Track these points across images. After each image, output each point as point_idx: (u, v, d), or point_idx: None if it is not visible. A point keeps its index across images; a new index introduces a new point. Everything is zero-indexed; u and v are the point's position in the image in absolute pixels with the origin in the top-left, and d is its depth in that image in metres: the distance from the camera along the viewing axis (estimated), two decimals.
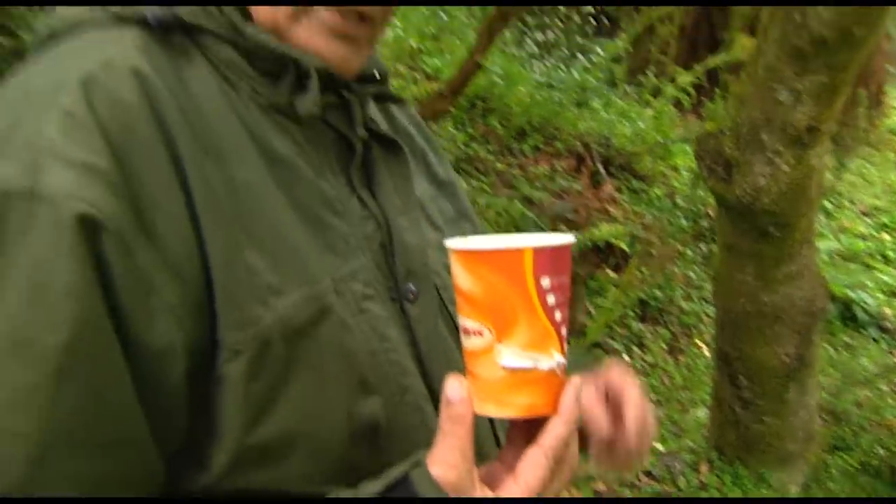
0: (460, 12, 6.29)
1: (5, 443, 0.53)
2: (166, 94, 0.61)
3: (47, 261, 0.53)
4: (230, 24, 0.67)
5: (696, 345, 4.36)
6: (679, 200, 5.03)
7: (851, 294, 4.71)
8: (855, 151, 6.49)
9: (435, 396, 0.71)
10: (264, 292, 0.62)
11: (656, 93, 5.30)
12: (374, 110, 0.83)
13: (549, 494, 0.63)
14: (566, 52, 5.86)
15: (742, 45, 5.06)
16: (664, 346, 4.29)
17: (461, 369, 0.65)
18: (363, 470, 0.65)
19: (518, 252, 0.61)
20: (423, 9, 5.96)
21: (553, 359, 0.63)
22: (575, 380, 0.64)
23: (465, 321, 0.64)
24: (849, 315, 4.69)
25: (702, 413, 3.57)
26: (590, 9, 6.00)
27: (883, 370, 4.05)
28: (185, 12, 0.66)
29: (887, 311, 4.69)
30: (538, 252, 0.61)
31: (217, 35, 0.67)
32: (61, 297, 0.53)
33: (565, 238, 0.64)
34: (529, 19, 6.11)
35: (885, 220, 5.77)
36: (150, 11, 0.65)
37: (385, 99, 0.83)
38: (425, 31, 5.86)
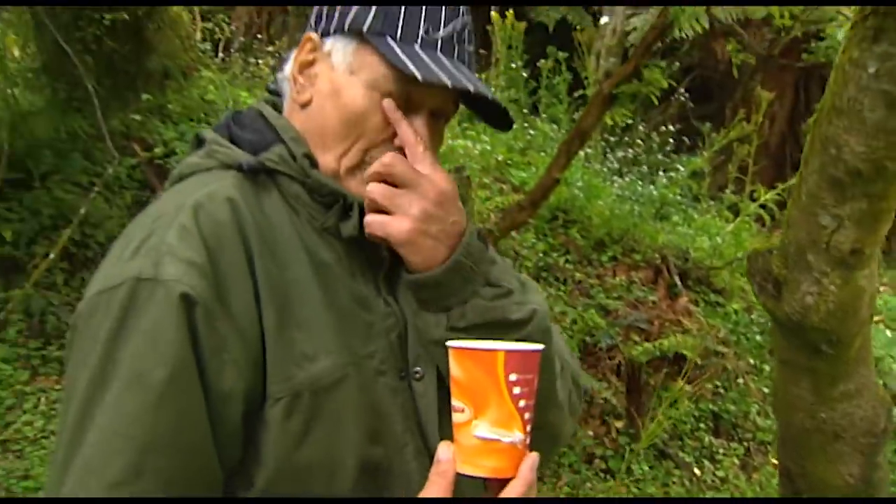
0: (547, 128, 6.67)
1: (121, 442, 0.81)
2: (248, 215, 0.91)
3: (160, 323, 0.83)
4: (301, 169, 0.97)
5: (771, 463, 4.31)
6: (756, 316, 5.06)
7: None
8: None
9: (429, 452, 0.94)
10: (300, 359, 0.90)
11: (736, 209, 5.42)
12: None
13: None
14: (646, 168, 6.10)
15: None
16: (736, 461, 4.27)
17: (451, 433, 0.88)
18: (368, 500, 0.91)
19: (494, 353, 0.83)
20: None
21: (514, 435, 0.85)
22: (533, 454, 0.87)
23: (454, 401, 0.87)
24: None
25: None
26: (671, 127, 6.25)
27: None
28: (269, 161, 0.96)
29: None
30: (509, 354, 0.83)
31: (290, 176, 0.96)
32: (167, 348, 0.82)
33: (534, 347, 0.87)
34: (611, 138, 6.41)
35: None
36: (245, 160, 0.95)
37: None
38: (513, 146, 6.24)
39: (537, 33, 8.59)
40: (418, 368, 0.99)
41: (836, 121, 2.30)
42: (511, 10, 6.65)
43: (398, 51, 0.94)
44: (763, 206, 5.64)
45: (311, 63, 1.02)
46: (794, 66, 5.81)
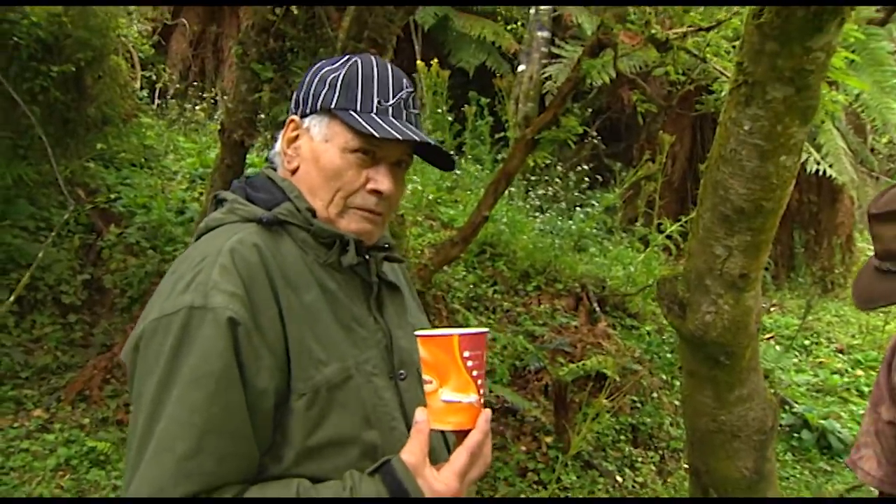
0: (472, 168, 7.10)
1: (184, 428, 1.08)
2: (270, 256, 1.22)
3: (212, 339, 1.11)
4: (305, 219, 1.28)
5: (683, 468, 4.75)
6: (667, 336, 5.56)
7: (826, 424, 5.14)
8: (832, 295, 7.06)
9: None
10: (317, 363, 1.20)
11: (645, 240, 5.95)
12: (387, 266, 1.42)
13: (471, 476, 1.17)
14: (564, 204, 6.60)
15: None
16: (653, 467, 4.70)
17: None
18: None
19: (450, 336, 1.16)
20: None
21: (471, 397, 1.16)
22: (486, 410, 1.20)
23: (424, 375, 1.19)
24: (825, 444, 5.09)
25: None
26: (585, 166, 6.78)
27: (851, 495, 4.43)
28: (281, 214, 1.27)
29: None
30: (462, 336, 1.16)
31: (298, 226, 1.28)
32: (217, 357, 1.11)
33: (480, 329, 1.20)
34: (532, 177, 6.89)
35: (859, 357, 6.24)
36: (263, 215, 1.26)
37: (391, 260, 1.41)
38: (441, 185, 6.64)
39: (459, 78, 9.08)
40: (402, 371, 1.31)
41: (723, 167, 2.78)
42: (435, 59, 7.08)
43: (359, 119, 1.25)
44: (669, 237, 6.18)
45: (295, 139, 1.34)
46: (690, 113, 6.43)
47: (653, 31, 3.96)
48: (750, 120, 2.63)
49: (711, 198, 2.88)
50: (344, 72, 1.30)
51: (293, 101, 1.36)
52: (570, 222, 6.05)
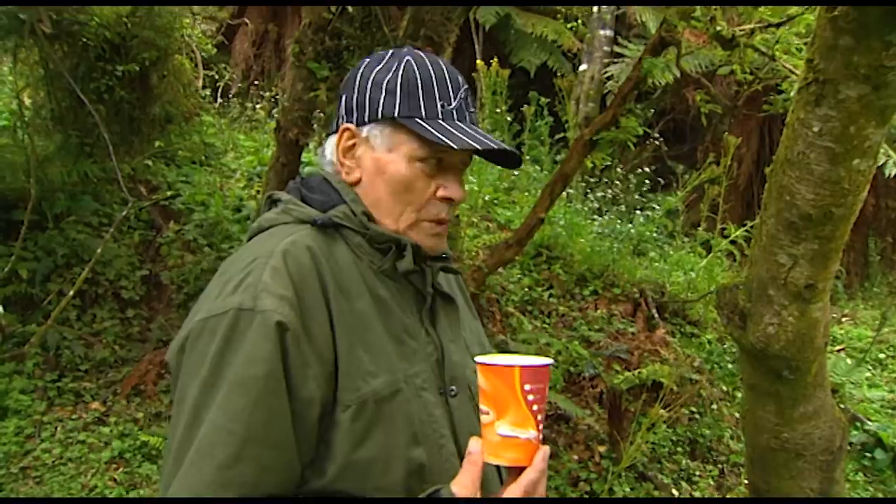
0: (531, 169, 7.00)
1: (226, 435, 1.03)
2: (323, 260, 1.16)
3: (258, 343, 1.06)
4: (361, 223, 1.23)
5: (744, 484, 4.57)
6: (728, 346, 5.36)
7: None
8: None
9: (461, 454, 1.17)
10: (365, 374, 1.14)
11: (708, 245, 5.75)
12: (442, 277, 1.35)
13: None
14: (624, 207, 6.44)
15: None
16: (712, 482, 4.53)
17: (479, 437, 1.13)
18: (414, 491, 1.14)
19: (511, 368, 1.08)
20: (496, 166, 6.68)
21: (529, 433, 1.08)
22: (545, 447, 1.11)
23: (481, 405, 1.11)
24: None
25: None
26: (646, 168, 6.60)
27: None
28: (336, 217, 1.21)
29: None
30: (524, 369, 1.08)
31: (353, 229, 1.22)
32: (263, 363, 1.05)
33: (544, 360, 1.11)
34: (592, 179, 6.75)
35: None
36: (318, 217, 1.21)
37: (448, 271, 1.35)
38: (498, 186, 6.55)
39: (520, 78, 8.97)
40: (453, 388, 1.24)
41: (789, 171, 2.62)
42: (495, 58, 7.00)
43: (429, 128, 1.18)
44: (733, 242, 5.97)
45: (351, 147, 1.26)
46: (757, 115, 6.20)
47: (718, 28, 3.80)
48: (820, 121, 2.47)
49: (776, 203, 2.73)
50: (401, 75, 1.23)
51: (343, 107, 1.29)
52: (630, 226, 5.90)
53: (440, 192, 1.23)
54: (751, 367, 3.14)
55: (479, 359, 1.12)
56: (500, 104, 6.73)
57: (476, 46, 9.35)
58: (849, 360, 5.97)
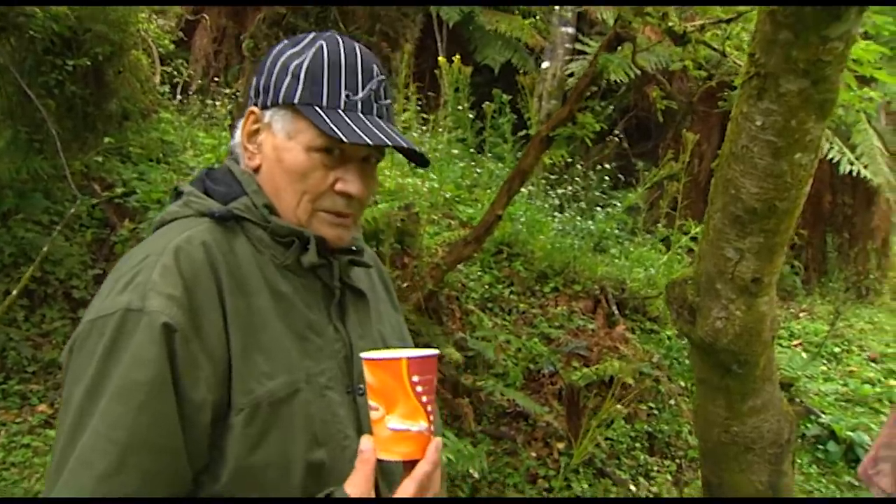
0: (493, 165, 6.99)
1: (105, 444, 0.99)
2: (219, 256, 1.12)
3: (144, 346, 1.02)
4: (262, 216, 1.18)
5: (700, 478, 4.59)
6: (687, 341, 5.38)
7: (854, 436, 4.93)
8: (864, 300, 6.81)
9: None
10: (260, 375, 1.10)
11: (668, 242, 5.78)
12: (358, 271, 1.32)
13: None
14: (585, 204, 6.45)
15: None
16: (669, 477, 4.54)
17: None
18: (313, 493, 1.11)
19: (398, 360, 1.05)
20: (459, 163, 6.67)
21: (420, 425, 1.06)
22: (437, 439, 1.09)
23: (370, 401, 1.08)
24: (852, 457, 4.89)
25: None
26: (608, 165, 6.63)
27: None
28: (236, 209, 1.17)
29: None
30: (410, 360, 1.05)
31: (254, 222, 1.18)
32: (148, 366, 1.01)
33: (431, 351, 1.09)
34: (552, 176, 6.75)
35: (893, 366, 6.00)
36: (217, 209, 1.17)
37: (357, 264, 1.30)
38: (460, 183, 6.53)
39: (485, 75, 8.96)
40: (361, 386, 1.19)
41: (734, 165, 2.63)
42: (458, 55, 6.98)
43: (325, 117, 1.14)
44: (693, 239, 6.01)
45: (255, 132, 1.22)
46: (718, 111, 6.25)
47: (670, 24, 3.81)
48: (762, 115, 2.48)
49: (722, 197, 2.74)
50: (308, 59, 1.18)
51: (253, 89, 1.24)
52: (591, 222, 5.91)
53: (338, 186, 1.19)
54: (701, 362, 3.15)
55: (363, 355, 1.10)
56: (462, 101, 6.71)
57: (439, 44, 9.33)
58: (805, 354, 6.04)
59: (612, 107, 6.00)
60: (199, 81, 7.48)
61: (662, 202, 5.87)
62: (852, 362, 6.09)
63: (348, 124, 1.14)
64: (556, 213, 6.34)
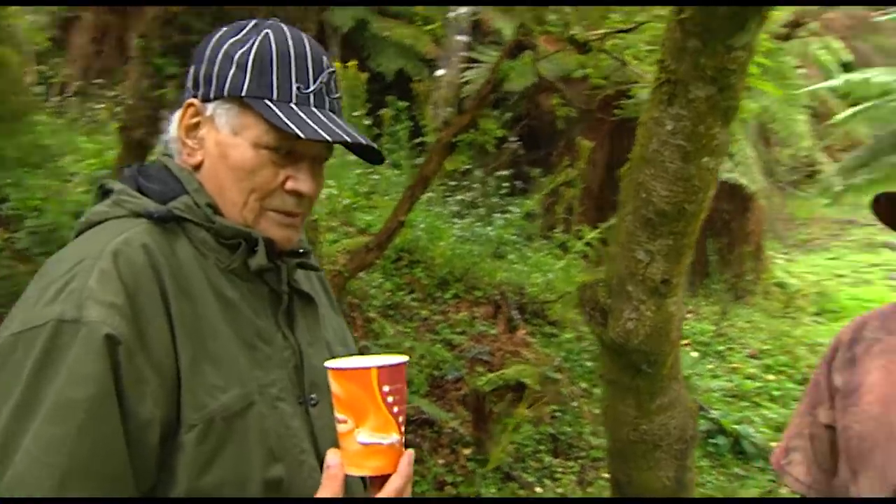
0: (390, 172, 6.94)
1: (41, 470, 0.88)
2: (161, 259, 1.01)
3: (83, 361, 0.91)
4: (205, 216, 1.08)
5: (602, 477, 4.70)
6: (586, 344, 5.52)
7: (740, 429, 5.18)
8: (742, 300, 7.23)
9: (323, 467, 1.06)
10: (212, 388, 1.00)
11: (564, 247, 5.92)
12: (301, 274, 1.24)
13: None
14: (483, 210, 6.52)
15: None
16: (573, 478, 4.63)
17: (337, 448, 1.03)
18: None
19: (368, 370, 0.99)
20: (357, 170, 6.59)
21: (392, 437, 1.00)
22: (409, 451, 1.03)
23: (337, 414, 1.01)
24: (739, 449, 5.14)
25: None
26: (505, 172, 6.73)
27: (765, 494, 4.46)
28: (177, 209, 1.07)
29: (773, 444, 5.16)
30: (380, 369, 0.99)
31: (196, 223, 1.08)
32: (89, 382, 0.91)
33: (400, 358, 1.03)
34: (450, 182, 6.79)
35: (769, 362, 6.38)
36: (156, 209, 1.06)
37: (306, 267, 1.23)
38: (358, 190, 6.45)
39: (379, 83, 8.91)
40: (314, 396, 1.13)
41: (645, 169, 2.70)
42: (354, 61, 6.91)
43: (278, 112, 1.05)
44: (589, 244, 6.17)
45: (195, 126, 1.11)
46: (609, 119, 6.46)
47: (573, 33, 3.89)
48: (673, 120, 2.56)
49: (633, 201, 2.80)
50: (255, 49, 1.09)
51: (191, 79, 1.14)
52: (490, 229, 5.98)
53: (288, 184, 1.11)
54: (611, 363, 3.21)
55: (329, 364, 1.02)
56: (357, 107, 6.64)
57: (332, 49, 9.21)
58: (694, 353, 6.31)
59: (509, 114, 6.09)
60: (79, 83, 7.04)
61: (559, 208, 6.00)
62: (735, 359, 6.42)
63: (303, 119, 1.06)
64: (455, 220, 6.36)
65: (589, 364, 5.31)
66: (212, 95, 1.10)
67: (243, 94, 1.08)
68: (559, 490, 4.44)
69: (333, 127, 1.08)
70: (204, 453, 0.98)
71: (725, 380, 6.03)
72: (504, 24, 7.37)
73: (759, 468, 5.01)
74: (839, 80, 4.40)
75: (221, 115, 1.10)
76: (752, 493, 4.69)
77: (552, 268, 6.05)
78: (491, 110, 4.81)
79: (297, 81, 1.09)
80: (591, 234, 6.14)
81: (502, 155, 7.20)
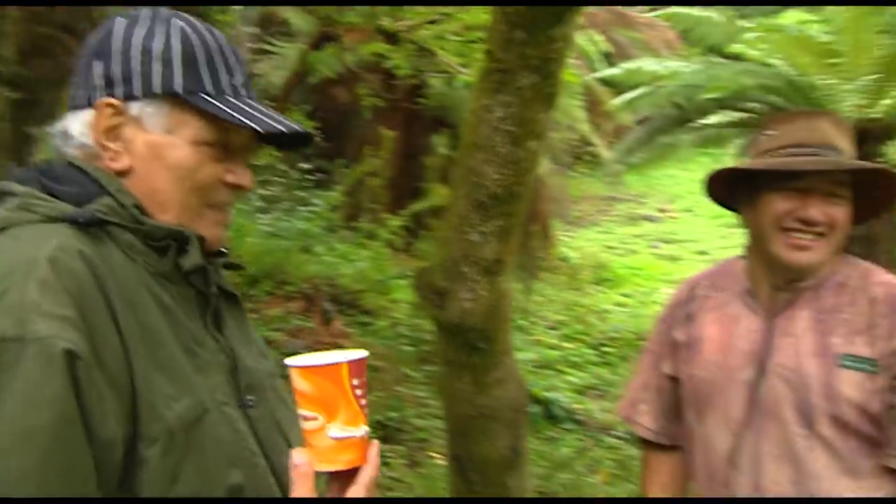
0: None
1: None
2: (101, 266, 0.93)
3: (39, 381, 0.82)
4: (132, 217, 1.00)
5: (430, 456, 4.84)
6: (403, 329, 5.63)
7: (549, 396, 5.57)
8: (536, 276, 7.73)
9: (273, 469, 1.04)
10: (167, 399, 0.94)
11: (371, 236, 5.98)
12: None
13: None
14: (288, 204, 6.41)
15: (438, 193, 5.95)
16: (403, 461, 4.71)
17: (288, 451, 1.00)
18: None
19: (339, 365, 0.97)
20: None
21: (361, 430, 0.99)
22: (375, 441, 1.02)
23: (304, 412, 0.98)
24: (549, 414, 5.52)
25: None
26: (307, 165, 6.65)
27: (578, 455, 4.84)
28: (100, 212, 0.97)
29: (578, 406, 5.61)
30: (351, 364, 0.98)
31: (122, 226, 0.99)
32: (49, 406, 0.82)
33: (363, 353, 1.02)
34: (255, 178, 6.58)
35: (566, 332, 6.91)
36: (81, 213, 0.96)
37: (231, 267, 1.18)
38: None
39: None
40: (251, 398, 1.08)
41: (477, 154, 2.82)
42: None
43: (223, 107, 1.01)
44: (394, 233, 6.28)
45: (116, 128, 1.03)
46: (402, 108, 6.60)
47: (381, 23, 3.95)
48: (502, 107, 2.69)
49: (465, 185, 2.91)
50: (175, 41, 1.02)
51: (100, 77, 1.03)
52: (297, 222, 5.90)
53: (229, 179, 1.06)
54: (447, 343, 3.32)
55: (294, 361, 1.00)
56: None
57: None
58: None
59: (306, 106, 6.01)
60: None
61: (363, 198, 6.05)
62: (537, 332, 6.87)
63: (249, 112, 1.03)
64: (259, 216, 6.19)
65: (408, 349, 5.42)
66: (136, 94, 1.02)
67: (177, 90, 1.01)
68: (393, 475, 4.51)
69: (277, 117, 1.06)
70: (169, 466, 0.92)
71: (532, 352, 6.43)
72: (293, 15, 7.25)
73: (568, 429, 5.42)
74: (617, 69, 4.87)
75: (151, 115, 1.02)
76: (564, 451, 5.06)
77: (361, 257, 6.09)
78: (294, 103, 4.75)
79: (225, 73, 1.05)
80: (396, 222, 6.27)
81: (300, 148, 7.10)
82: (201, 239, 1.06)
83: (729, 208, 1.88)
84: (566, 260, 9.28)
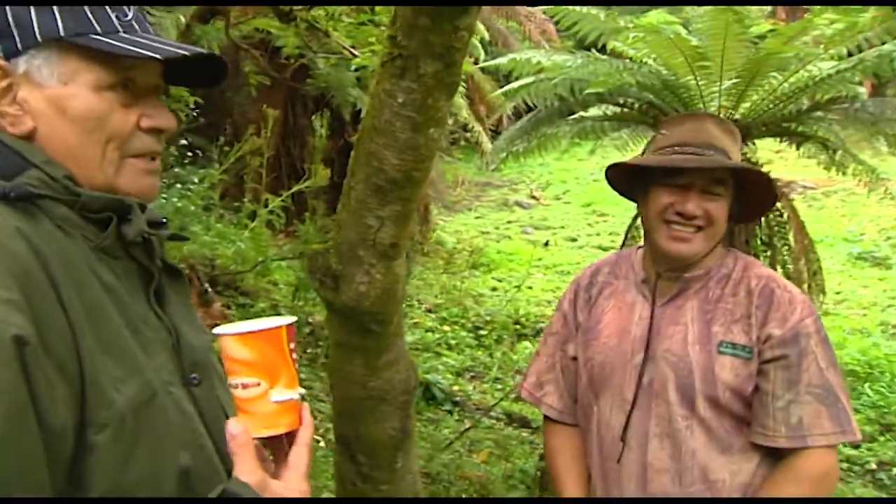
0: None
1: None
2: (41, 244, 0.89)
3: None
4: (67, 189, 0.96)
5: (315, 438, 4.82)
6: (282, 312, 5.55)
7: (429, 378, 5.67)
8: (415, 260, 7.80)
9: (218, 450, 1.04)
10: (115, 382, 0.92)
11: (253, 216, 5.84)
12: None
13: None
14: (164, 181, 6.12)
15: (321, 175, 5.88)
16: None
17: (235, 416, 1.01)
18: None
19: (279, 328, 1.00)
20: None
21: (297, 391, 1.03)
22: (305, 403, 1.05)
23: (242, 380, 0.99)
24: (430, 395, 5.62)
25: (326, 495, 4.02)
26: (183, 141, 6.38)
27: (458, 435, 4.96)
28: (30, 185, 0.92)
29: (456, 388, 5.74)
30: (288, 327, 1.01)
31: (56, 199, 0.95)
32: (2, 393, 0.78)
33: (293, 318, 1.05)
34: None
35: (444, 315, 7.03)
36: (11, 188, 0.91)
37: (176, 238, 1.17)
38: None
39: None
40: (195, 376, 1.06)
41: (377, 139, 2.83)
42: None
43: (117, 43, 0.96)
44: (273, 213, 6.15)
45: (8, 90, 0.97)
46: (284, 87, 6.46)
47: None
48: (404, 93, 2.71)
49: (364, 169, 2.92)
50: None
51: None
52: (175, 200, 5.65)
53: (144, 122, 1.02)
54: (340, 327, 3.32)
55: (226, 330, 1.00)
56: None
57: None
58: None
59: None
60: None
61: (247, 177, 5.89)
62: (416, 315, 6.94)
63: (146, 44, 0.98)
64: None
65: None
66: (18, 47, 0.95)
67: (62, 34, 0.95)
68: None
69: (177, 44, 1.02)
70: (121, 451, 0.90)
71: (410, 334, 6.50)
72: None
73: (447, 410, 5.54)
74: (503, 58, 4.99)
75: (40, 67, 0.96)
76: (445, 433, 5.17)
77: (241, 237, 5.94)
78: None
79: (113, 11, 1.00)
80: (275, 202, 6.14)
81: (181, 124, 6.81)
82: (142, 207, 1.03)
83: (632, 200, 2.00)
84: (443, 244, 9.41)
